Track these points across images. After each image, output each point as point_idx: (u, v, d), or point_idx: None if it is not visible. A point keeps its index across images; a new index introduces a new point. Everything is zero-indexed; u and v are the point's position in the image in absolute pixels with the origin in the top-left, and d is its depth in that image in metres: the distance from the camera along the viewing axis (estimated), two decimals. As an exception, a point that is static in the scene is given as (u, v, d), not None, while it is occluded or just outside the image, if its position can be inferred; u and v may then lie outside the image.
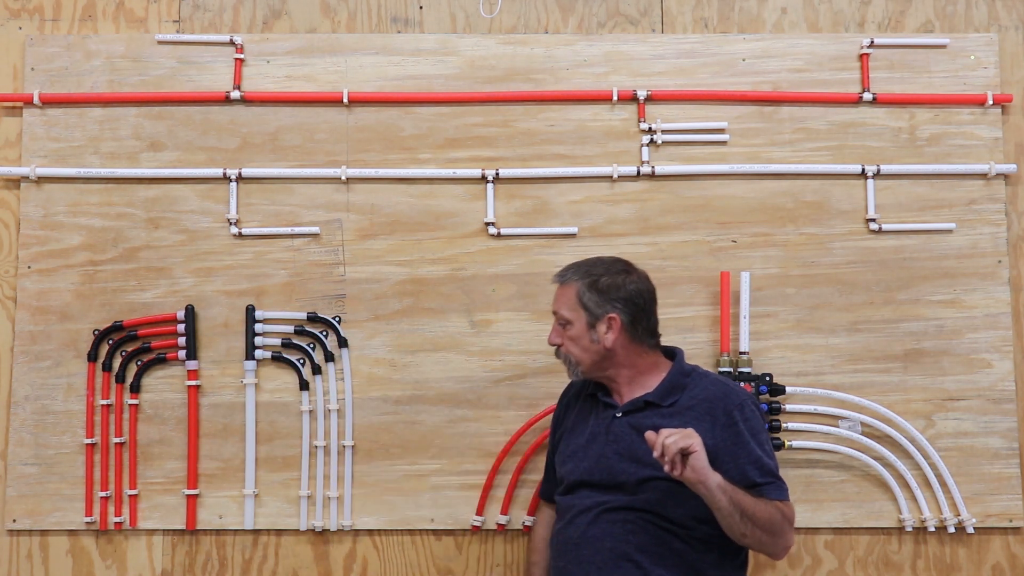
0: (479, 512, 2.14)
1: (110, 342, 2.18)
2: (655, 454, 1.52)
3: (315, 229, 2.20)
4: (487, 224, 2.20)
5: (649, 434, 1.54)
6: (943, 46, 2.24)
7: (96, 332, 2.18)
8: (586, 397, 1.85)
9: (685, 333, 2.16)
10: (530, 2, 2.29)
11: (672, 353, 1.82)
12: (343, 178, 2.20)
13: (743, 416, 1.69)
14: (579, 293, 1.77)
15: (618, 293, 1.76)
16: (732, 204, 2.21)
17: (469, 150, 2.22)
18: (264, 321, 2.18)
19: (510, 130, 2.23)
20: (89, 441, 2.15)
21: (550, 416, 2.13)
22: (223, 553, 2.17)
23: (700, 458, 1.52)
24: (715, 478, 1.54)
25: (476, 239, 2.21)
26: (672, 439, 1.50)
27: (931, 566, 2.15)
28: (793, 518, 1.67)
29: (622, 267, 1.80)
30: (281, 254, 2.21)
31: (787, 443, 2.11)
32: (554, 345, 1.81)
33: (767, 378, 2.13)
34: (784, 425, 2.11)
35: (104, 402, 2.16)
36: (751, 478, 1.64)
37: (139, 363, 2.18)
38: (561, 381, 2.15)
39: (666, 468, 1.52)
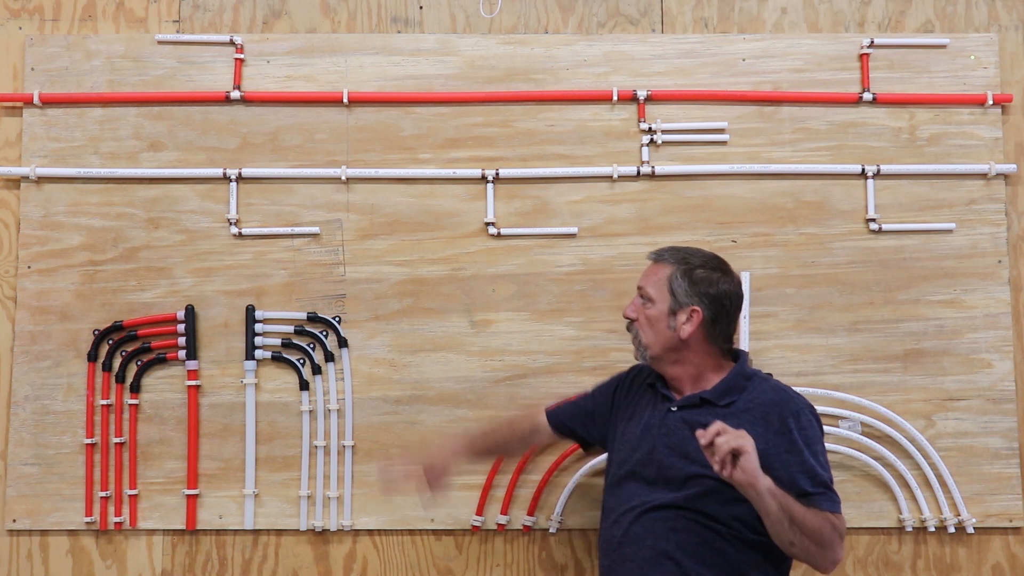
0: (479, 512, 2.14)
1: (110, 342, 2.18)
2: (702, 443, 1.48)
3: (315, 229, 2.20)
4: (487, 224, 2.20)
5: (699, 432, 1.50)
6: (943, 46, 2.24)
7: (96, 332, 2.18)
8: (647, 387, 1.82)
9: (685, 333, 2.16)
10: (530, 2, 2.29)
11: (736, 355, 1.79)
12: (343, 178, 2.20)
13: (798, 424, 1.64)
14: (671, 276, 1.74)
15: (708, 288, 1.72)
16: (732, 204, 2.21)
17: (469, 150, 2.22)
18: (264, 321, 2.18)
19: (510, 130, 2.23)
20: (89, 441, 2.15)
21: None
22: (223, 553, 2.17)
23: (751, 460, 1.47)
24: (766, 482, 1.50)
25: (476, 239, 2.21)
26: (724, 438, 1.47)
27: (931, 566, 2.15)
28: (844, 531, 1.61)
29: (719, 264, 1.77)
30: (281, 254, 2.21)
31: (787, 443, 2.11)
32: (628, 319, 1.78)
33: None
34: (784, 425, 2.11)
35: (104, 402, 2.16)
36: (802, 486, 1.59)
37: (139, 363, 2.18)
38: (561, 382, 2.16)
39: (716, 468, 1.48)
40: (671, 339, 1.72)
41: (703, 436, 1.48)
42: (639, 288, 1.78)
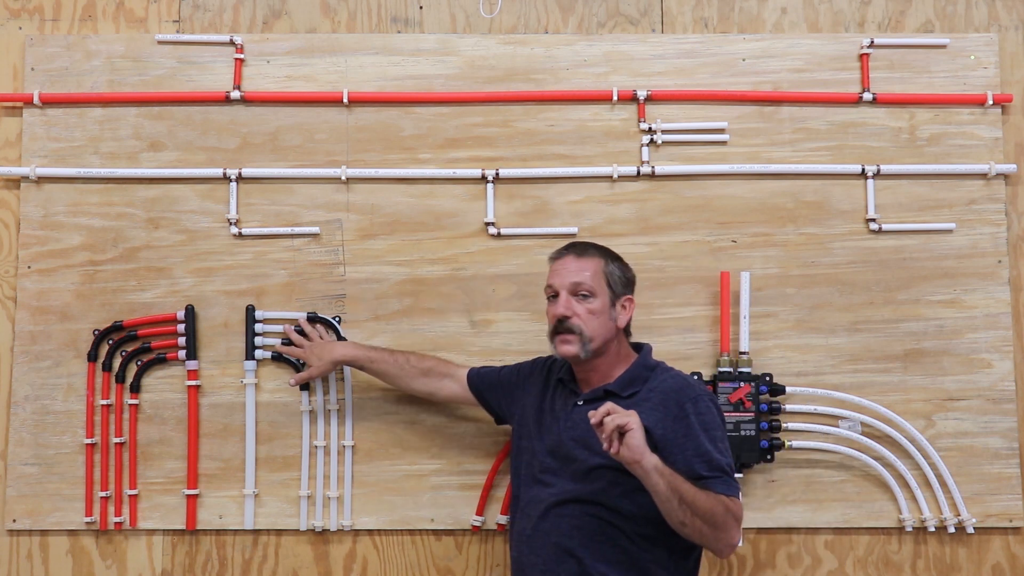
0: (479, 512, 2.14)
1: (110, 342, 2.18)
2: (593, 422, 1.53)
3: (315, 229, 2.20)
4: (487, 224, 2.20)
5: (591, 412, 1.55)
6: (943, 46, 2.24)
7: (96, 332, 2.18)
8: (558, 382, 1.87)
9: (685, 333, 2.16)
10: (530, 2, 2.29)
11: (639, 347, 1.85)
12: (343, 178, 2.20)
13: (696, 409, 1.69)
14: (606, 269, 1.78)
15: (628, 276, 1.82)
16: (732, 204, 2.21)
17: (469, 150, 2.22)
18: (264, 321, 2.18)
19: (510, 130, 2.23)
20: (89, 441, 2.15)
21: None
22: (223, 553, 2.17)
23: (636, 437, 1.52)
24: (652, 459, 1.54)
25: (476, 239, 2.21)
26: (611, 417, 1.52)
27: (931, 566, 2.15)
28: (740, 515, 1.64)
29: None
30: (281, 254, 2.21)
31: (787, 443, 2.11)
32: (564, 317, 1.76)
33: (767, 378, 2.13)
34: (784, 425, 2.11)
35: (104, 402, 2.16)
36: (697, 470, 1.63)
37: (139, 363, 2.18)
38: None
39: (604, 446, 1.53)
40: (611, 330, 1.78)
41: (594, 416, 1.54)
42: (575, 284, 1.77)
